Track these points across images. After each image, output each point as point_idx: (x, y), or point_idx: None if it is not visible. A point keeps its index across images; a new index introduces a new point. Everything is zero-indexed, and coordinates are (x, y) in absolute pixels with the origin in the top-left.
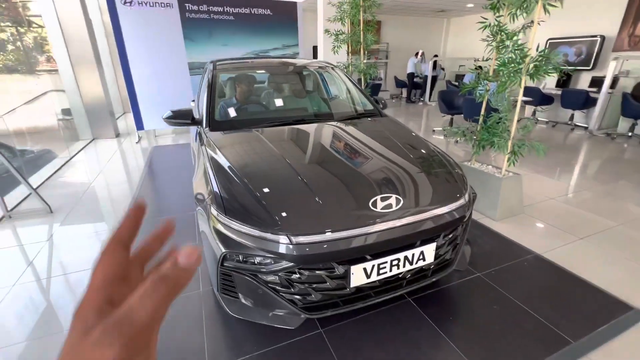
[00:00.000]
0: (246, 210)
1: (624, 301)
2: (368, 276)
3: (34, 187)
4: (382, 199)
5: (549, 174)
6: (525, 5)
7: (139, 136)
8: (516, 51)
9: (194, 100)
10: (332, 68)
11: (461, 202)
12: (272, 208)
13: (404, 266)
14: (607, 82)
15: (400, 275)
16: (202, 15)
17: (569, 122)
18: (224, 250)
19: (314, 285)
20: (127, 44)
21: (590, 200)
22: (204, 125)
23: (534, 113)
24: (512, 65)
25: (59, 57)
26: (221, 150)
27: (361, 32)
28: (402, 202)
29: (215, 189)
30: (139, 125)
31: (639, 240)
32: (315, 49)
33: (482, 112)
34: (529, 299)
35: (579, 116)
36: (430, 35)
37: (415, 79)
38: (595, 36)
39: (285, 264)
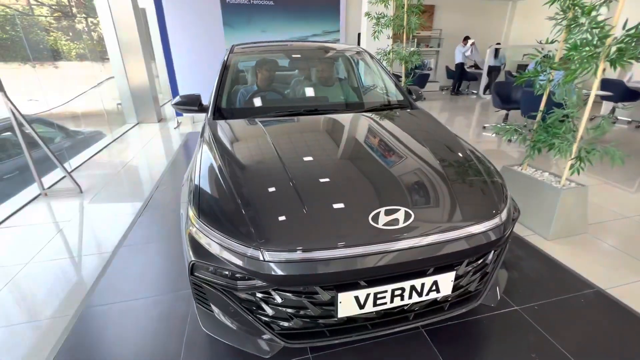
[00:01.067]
0: (221, 215)
1: None
2: (361, 306)
3: (77, 166)
4: (387, 213)
5: (625, 186)
6: None
7: (178, 122)
8: (594, 30)
9: None
10: (358, 53)
11: (496, 221)
12: (249, 215)
13: (409, 297)
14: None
15: (405, 308)
16: (242, 1)
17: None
18: (192, 258)
19: (294, 311)
20: (169, 31)
21: None
22: (210, 112)
23: (613, 110)
24: (587, 48)
25: (110, 45)
26: (215, 142)
27: (405, 15)
28: (412, 217)
29: (196, 186)
30: (178, 111)
31: None
32: (360, 36)
33: (542, 107)
34: (582, 351)
35: (620, 112)
36: (490, 21)
37: (468, 69)
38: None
39: (258, 282)
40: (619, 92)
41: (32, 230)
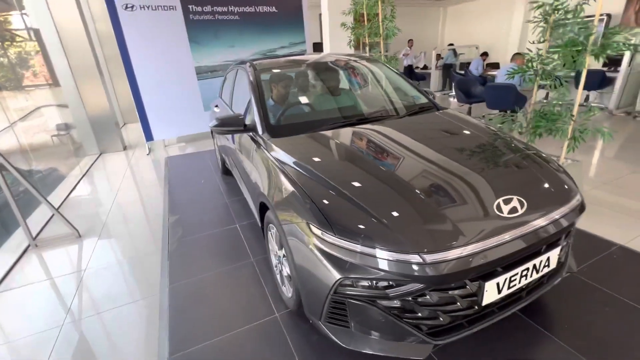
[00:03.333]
0: (360, 228)
1: None
2: (500, 291)
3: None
4: (505, 202)
5: (600, 160)
6: None
7: (149, 148)
8: (581, 30)
9: (217, 106)
10: (374, 61)
11: (578, 197)
12: (391, 223)
13: (531, 276)
14: (625, 60)
15: (523, 287)
16: (207, 17)
17: (584, 104)
18: (339, 275)
19: (442, 308)
20: (130, 51)
21: (637, 181)
22: (260, 132)
23: (586, 98)
24: (575, 46)
25: (60, 70)
26: (298, 158)
27: (380, 24)
28: (525, 204)
29: (312, 203)
30: (148, 136)
31: None
32: (315, 45)
33: (534, 99)
34: (637, 296)
35: (593, 97)
36: (426, 25)
37: (417, 70)
38: (602, 15)
39: (413, 286)
40: (597, 80)
41: (47, 298)
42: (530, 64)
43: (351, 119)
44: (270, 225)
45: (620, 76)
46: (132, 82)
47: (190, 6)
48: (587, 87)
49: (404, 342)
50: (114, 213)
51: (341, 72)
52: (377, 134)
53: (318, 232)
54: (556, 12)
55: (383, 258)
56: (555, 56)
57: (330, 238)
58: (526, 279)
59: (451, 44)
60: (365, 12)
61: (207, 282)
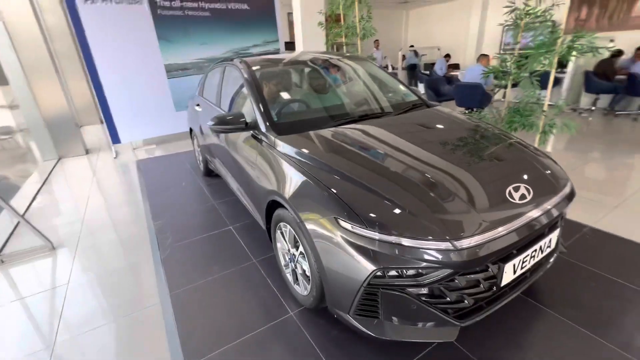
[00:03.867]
0: (389, 219)
1: None
2: (515, 272)
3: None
4: (515, 190)
5: (561, 152)
6: None
7: (115, 151)
8: (551, 34)
9: (198, 105)
10: (366, 60)
11: (570, 184)
12: (418, 213)
13: (537, 256)
14: (571, 63)
15: (530, 268)
16: (176, 12)
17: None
18: (373, 267)
19: (468, 291)
20: (92, 47)
21: (593, 168)
22: (264, 130)
23: (504, 94)
24: (545, 48)
25: (8, 66)
26: (314, 154)
27: (357, 24)
28: (532, 191)
29: (338, 198)
30: (115, 138)
31: None
32: (287, 45)
33: (508, 97)
34: (614, 271)
35: (544, 94)
36: (391, 27)
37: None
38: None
39: (443, 272)
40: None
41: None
42: (503, 64)
43: (353, 115)
44: (282, 223)
45: (567, 77)
46: (94, 81)
47: (157, 0)
48: (541, 87)
49: (433, 327)
50: (88, 222)
51: (336, 70)
52: (384, 129)
53: (348, 225)
54: (527, 16)
55: (415, 247)
56: (526, 59)
57: (361, 231)
58: (534, 259)
59: (412, 46)
60: (342, 13)
61: (212, 287)
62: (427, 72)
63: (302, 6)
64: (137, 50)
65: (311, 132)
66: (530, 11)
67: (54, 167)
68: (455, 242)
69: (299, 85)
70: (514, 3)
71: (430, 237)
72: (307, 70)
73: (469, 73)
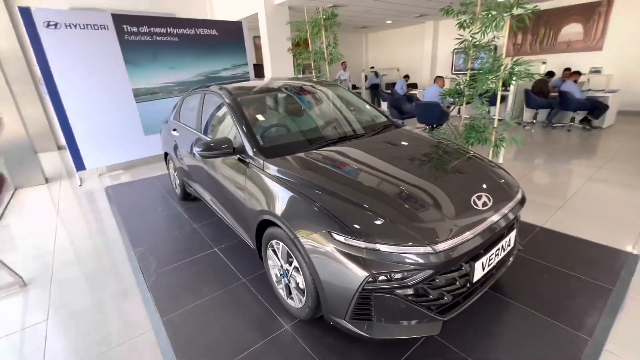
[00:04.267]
0: (377, 230)
1: (619, 248)
2: (483, 269)
3: None
4: (478, 198)
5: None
6: (495, 24)
7: (80, 178)
8: (494, 62)
9: (175, 130)
10: (337, 86)
11: (521, 191)
12: (400, 224)
13: (500, 254)
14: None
15: (495, 265)
16: (144, 37)
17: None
18: (366, 273)
19: (447, 288)
20: (54, 72)
21: (538, 175)
22: (251, 154)
23: (459, 111)
24: (490, 73)
25: None
26: (303, 175)
27: (325, 50)
28: (491, 198)
29: (329, 214)
30: (79, 165)
31: (600, 197)
32: (256, 67)
33: (464, 113)
34: (563, 264)
35: (492, 110)
36: (352, 49)
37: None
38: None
39: (425, 273)
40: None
41: None
42: (457, 86)
43: (333, 138)
44: (274, 241)
45: (510, 95)
46: (56, 106)
47: (124, 26)
48: (490, 104)
49: (419, 323)
50: (60, 253)
51: (313, 96)
52: (362, 150)
53: (341, 238)
54: (474, 47)
55: (399, 252)
56: (476, 82)
57: (353, 242)
58: (498, 257)
59: (372, 67)
60: (310, 39)
61: (204, 309)
62: (389, 92)
63: (269, 32)
64: (104, 74)
65: (296, 155)
66: (477, 43)
67: (10, 199)
68: (433, 246)
69: (279, 111)
70: (462, 35)
71: (411, 244)
72: (284, 96)
73: (428, 93)
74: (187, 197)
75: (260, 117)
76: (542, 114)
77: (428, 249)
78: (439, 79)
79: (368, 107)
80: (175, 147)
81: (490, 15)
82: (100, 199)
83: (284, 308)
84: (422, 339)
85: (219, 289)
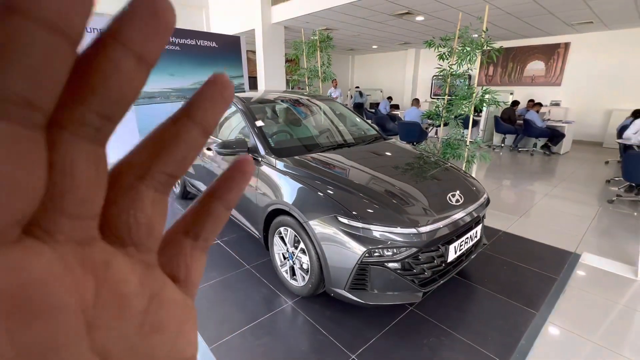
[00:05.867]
0: (374, 215)
1: (564, 249)
2: (456, 252)
3: None
4: (452, 196)
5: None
6: (469, 58)
7: None
8: (468, 89)
9: None
10: (332, 100)
11: (485, 194)
12: (394, 211)
13: (469, 243)
14: (485, 109)
15: (464, 251)
16: None
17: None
18: (363, 249)
19: (427, 264)
20: None
21: (504, 190)
22: (263, 153)
23: (436, 132)
24: (464, 99)
25: None
26: (311, 171)
27: (319, 68)
28: (463, 196)
29: (335, 201)
30: None
31: (552, 209)
32: (251, 79)
33: (441, 134)
34: (519, 259)
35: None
36: (339, 69)
37: None
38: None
39: (410, 250)
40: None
41: None
42: (436, 108)
43: (332, 143)
44: (282, 228)
45: (482, 120)
46: None
47: None
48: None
49: (405, 292)
50: None
51: (315, 108)
52: (360, 155)
53: (345, 220)
54: (452, 75)
55: (391, 232)
56: (452, 105)
57: (355, 223)
58: (467, 244)
59: (357, 87)
60: (305, 58)
61: (213, 289)
62: (373, 110)
63: (265, 48)
64: None
65: (304, 155)
66: (453, 72)
67: None
68: (417, 228)
69: (287, 119)
70: (441, 65)
71: (402, 225)
72: (291, 106)
73: (408, 114)
74: (187, 195)
75: (270, 122)
76: (510, 138)
77: (413, 230)
78: (415, 102)
79: (359, 120)
80: None
81: (465, 50)
82: None
83: (286, 288)
84: (407, 310)
85: (226, 274)
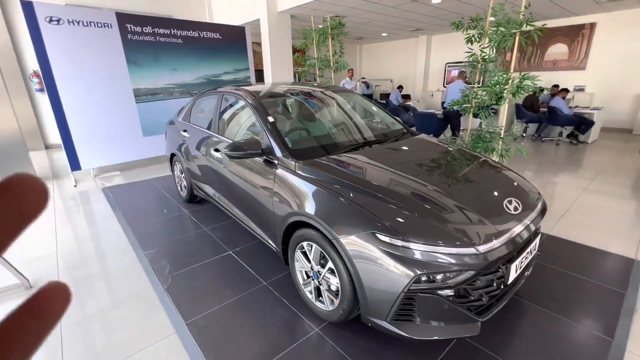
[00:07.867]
0: (422, 231)
1: (622, 255)
2: (517, 271)
3: None
4: (509, 203)
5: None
6: (504, 40)
7: (75, 179)
8: (503, 75)
9: (185, 130)
10: (353, 93)
11: (542, 199)
12: (444, 224)
13: (529, 258)
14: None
15: (524, 267)
16: (147, 38)
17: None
18: (412, 274)
19: (485, 289)
20: (54, 68)
21: (537, 185)
22: (280, 155)
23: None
24: (498, 86)
25: None
26: (334, 175)
27: (331, 58)
28: (521, 204)
29: (374, 215)
30: (75, 165)
31: (596, 207)
32: (257, 72)
33: (470, 125)
34: (572, 268)
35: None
36: (347, 59)
37: None
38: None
39: (467, 274)
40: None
41: None
42: (466, 98)
43: (357, 142)
44: (305, 242)
45: (502, 109)
46: (54, 103)
47: (128, 25)
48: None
49: (459, 324)
50: (64, 255)
51: (333, 101)
52: (392, 156)
53: (385, 239)
54: (483, 60)
55: (446, 253)
56: (485, 93)
57: (399, 242)
58: (527, 260)
59: (363, 78)
60: (315, 47)
61: (228, 312)
62: (384, 102)
63: (271, 38)
64: (105, 73)
65: (327, 157)
66: (486, 57)
67: None
68: (477, 247)
69: (303, 114)
70: (471, 49)
71: (459, 244)
72: (306, 100)
73: (451, 88)
74: (194, 199)
75: (285, 120)
76: (531, 127)
77: (472, 250)
78: (460, 74)
79: (386, 115)
80: (185, 149)
81: (499, 32)
82: (98, 200)
83: (310, 311)
84: (454, 340)
85: (240, 292)
